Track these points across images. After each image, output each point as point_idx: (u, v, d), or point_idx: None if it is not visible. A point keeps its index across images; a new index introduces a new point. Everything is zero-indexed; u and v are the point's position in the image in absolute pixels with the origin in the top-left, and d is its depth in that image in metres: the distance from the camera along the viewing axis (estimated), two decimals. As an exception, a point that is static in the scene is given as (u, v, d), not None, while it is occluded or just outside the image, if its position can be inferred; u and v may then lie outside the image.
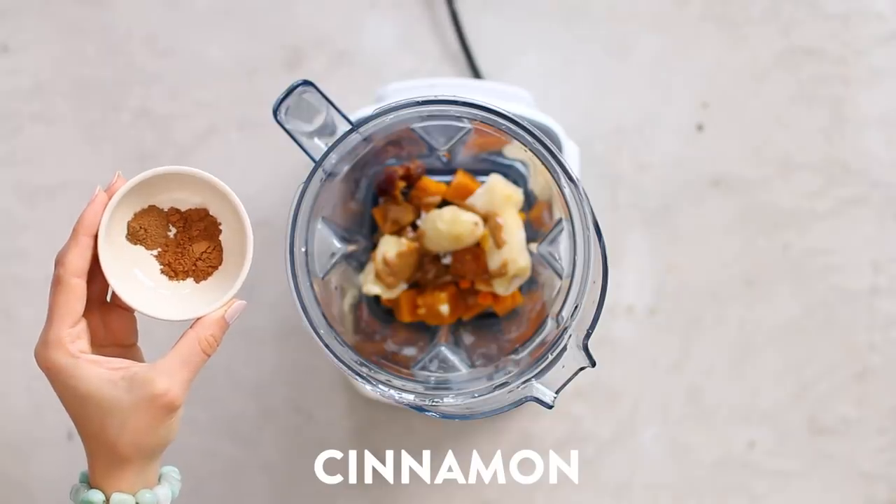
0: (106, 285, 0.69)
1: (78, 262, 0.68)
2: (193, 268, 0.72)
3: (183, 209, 0.71)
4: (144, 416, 0.68)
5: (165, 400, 0.68)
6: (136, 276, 0.71)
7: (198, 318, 0.70)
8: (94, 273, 0.69)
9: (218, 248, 0.72)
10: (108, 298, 0.71)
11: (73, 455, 0.99)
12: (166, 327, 0.97)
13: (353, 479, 0.98)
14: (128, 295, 0.69)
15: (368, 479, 0.99)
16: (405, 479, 0.98)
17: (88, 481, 0.70)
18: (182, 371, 0.68)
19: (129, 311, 0.71)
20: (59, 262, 0.68)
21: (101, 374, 0.67)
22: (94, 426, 0.68)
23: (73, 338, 0.67)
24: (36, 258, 1.00)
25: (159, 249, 0.71)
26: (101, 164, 1.00)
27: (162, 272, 0.72)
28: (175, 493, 0.71)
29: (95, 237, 0.68)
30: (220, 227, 0.72)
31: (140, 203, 0.70)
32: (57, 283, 0.68)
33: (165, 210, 0.71)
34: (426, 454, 0.98)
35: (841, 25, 0.99)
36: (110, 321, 0.71)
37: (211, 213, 0.71)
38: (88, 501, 0.69)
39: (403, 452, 0.98)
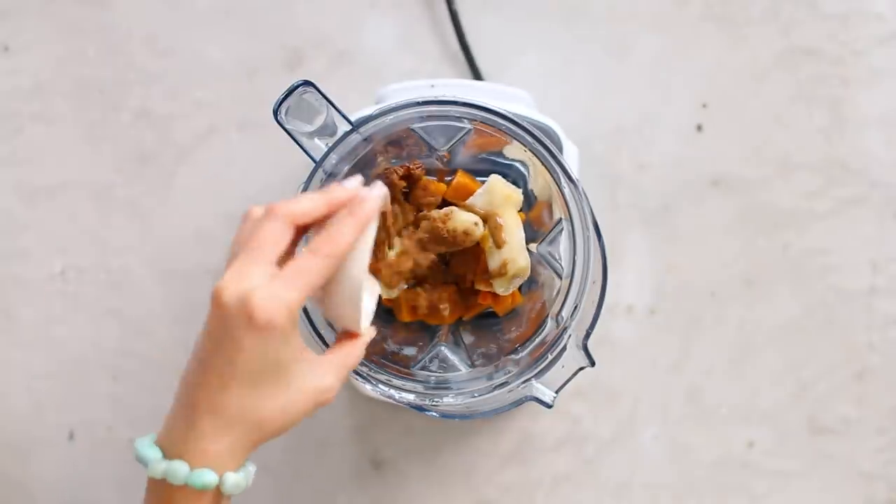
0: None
1: (349, 249, 0.66)
2: None
3: None
4: (305, 405, 0.66)
5: (325, 398, 0.67)
6: None
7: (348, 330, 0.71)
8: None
9: None
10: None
11: (74, 455, 1.00)
12: (167, 327, 0.97)
13: (353, 478, 0.99)
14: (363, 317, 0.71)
15: (369, 478, 0.99)
16: (405, 478, 0.99)
17: (173, 453, 0.65)
18: (341, 373, 0.68)
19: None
20: (336, 237, 0.65)
21: (299, 349, 0.65)
22: (258, 394, 0.64)
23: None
24: (36, 258, 1.00)
25: None
26: (101, 164, 1.00)
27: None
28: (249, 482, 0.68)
29: None
30: None
31: None
32: (328, 254, 0.64)
33: None
34: (426, 454, 0.98)
35: (840, 25, 0.99)
36: None
37: None
38: (202, 483, 0.63)
39: (403, 452, 0.98)
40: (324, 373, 0.67)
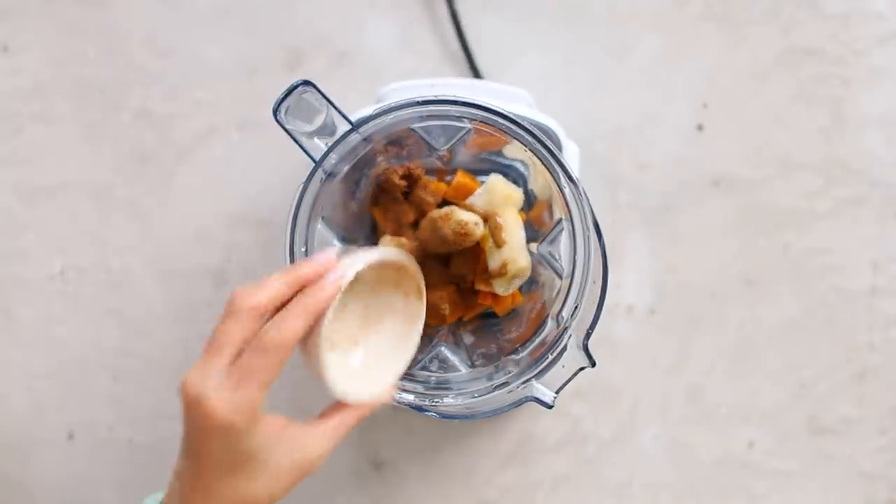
0: None
1: (299, 337, 0.67)
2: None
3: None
4: (290, 478, 0.68)
5: (313, 468, 0.69)
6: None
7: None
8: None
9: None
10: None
11: (73, 455, 1.00)
12: (167, 327, 0.97)
13: (353, 479, 0.99)
14: (332, 382, 0.70)
15: (368, 478, 0.99)
16: (405, 478, 0.98)
17: None
18: (331, 441, 0.69)
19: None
20: (284, 331, 0.67)
21: (270, 434, 0.68)
22: (238, 479, 0.67)
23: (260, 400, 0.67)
24: (36, 258, 1.00)
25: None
26: (101, 164, 1.00)
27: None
28: None
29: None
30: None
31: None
32: (276, 348, 0.66)
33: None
34: (426, 454, 0.98)
35: (841, 25, 0.99)
36: None
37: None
38: None
39: (403, 452, 0.98)
40: (312, 445, 0.69)
